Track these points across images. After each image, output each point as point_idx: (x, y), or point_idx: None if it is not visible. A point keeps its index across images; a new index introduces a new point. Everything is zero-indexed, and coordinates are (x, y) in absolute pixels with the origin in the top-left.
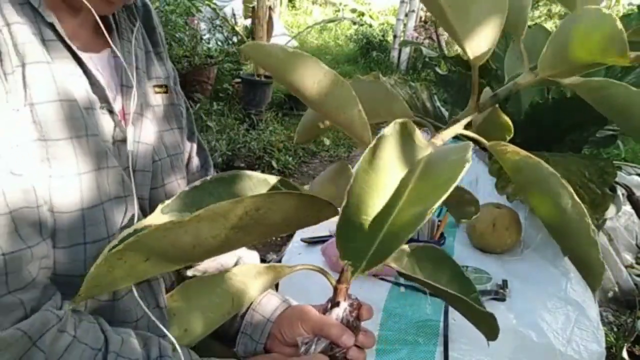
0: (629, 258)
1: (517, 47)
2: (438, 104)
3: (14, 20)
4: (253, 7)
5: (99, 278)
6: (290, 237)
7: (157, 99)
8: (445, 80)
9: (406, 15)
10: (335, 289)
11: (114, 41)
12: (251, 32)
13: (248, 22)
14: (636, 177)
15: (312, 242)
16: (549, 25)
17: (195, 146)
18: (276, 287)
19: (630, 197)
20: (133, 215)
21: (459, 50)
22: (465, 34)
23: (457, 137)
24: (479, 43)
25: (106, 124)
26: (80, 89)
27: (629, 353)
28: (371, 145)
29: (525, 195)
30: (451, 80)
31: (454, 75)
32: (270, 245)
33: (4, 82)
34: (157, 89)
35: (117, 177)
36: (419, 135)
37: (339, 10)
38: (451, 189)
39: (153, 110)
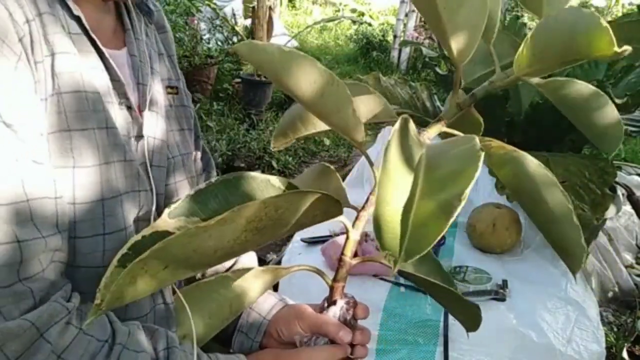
0: (629, 258)
1: (487, 49)
2: (438, 103)
3: (45, 10)
4: (253, 7)
5: (122, 289)
6: (290, 237)
7: (169, 100)
8: (445, 80)
9: (406, 15)
10: (332, 288)
11: (129, 40)
12: (251, 32)
13: (248, 22)
14: (636, 177)
15: (312, 242)
16: None
17: (199, 150)
18: (276, 286)
19: (630, 197)
20: (146, 210)
21: None
22: (454, 34)
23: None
24: (464, 43)
25: (124, 118)
26: (102, 83)
27: (629, 353)
28: (387, 143)
29: (512, 189)
30: (451, 80)
31: (454, 75)
32: (270, 245)
33: (33, 71)
34: (169, 90)
35: (134, 171)
36: (415, 132)
37: (339, 10)
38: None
39: (166, 109)
